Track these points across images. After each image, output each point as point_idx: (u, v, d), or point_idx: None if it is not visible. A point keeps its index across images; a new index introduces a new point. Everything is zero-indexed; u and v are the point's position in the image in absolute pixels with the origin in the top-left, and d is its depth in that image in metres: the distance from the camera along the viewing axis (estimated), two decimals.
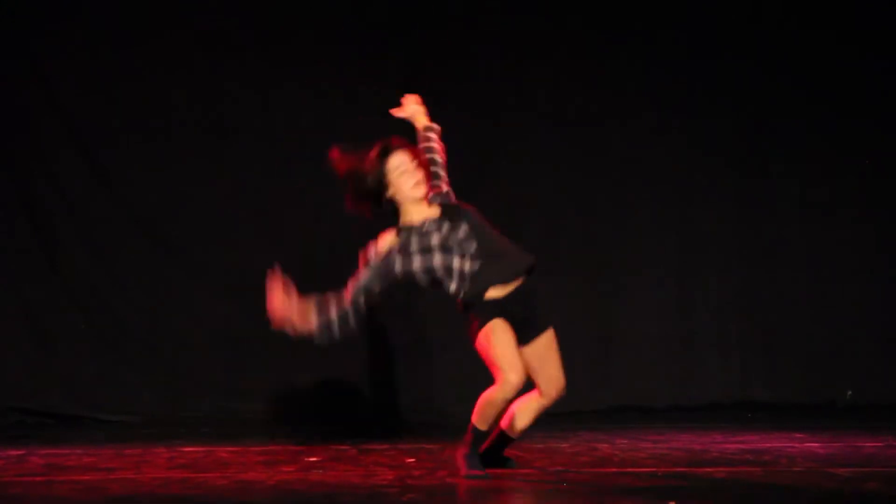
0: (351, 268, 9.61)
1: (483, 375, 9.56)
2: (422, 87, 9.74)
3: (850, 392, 9.88)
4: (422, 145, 6.31)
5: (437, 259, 6.04)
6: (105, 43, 9.49)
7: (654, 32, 9.90)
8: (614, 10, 9.88)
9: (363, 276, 6.12)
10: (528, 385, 6.16)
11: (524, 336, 6.11)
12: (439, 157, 6.32)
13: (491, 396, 6.01)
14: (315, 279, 9.47)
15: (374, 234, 9.61)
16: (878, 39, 10.00)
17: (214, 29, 9.58)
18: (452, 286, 6.03)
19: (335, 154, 6.21)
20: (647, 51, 9.89)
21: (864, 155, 10.01)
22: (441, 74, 9.70)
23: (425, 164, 6.18)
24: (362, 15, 9.67)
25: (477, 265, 6.01)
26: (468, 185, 9.80)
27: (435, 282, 6.08)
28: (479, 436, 6.08)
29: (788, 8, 10.00)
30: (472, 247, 6.05)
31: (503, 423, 6.23)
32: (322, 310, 6.04)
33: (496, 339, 5.97)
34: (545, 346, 6.18)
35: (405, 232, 6.16)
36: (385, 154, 6.15)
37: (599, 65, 9.90)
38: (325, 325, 6.04)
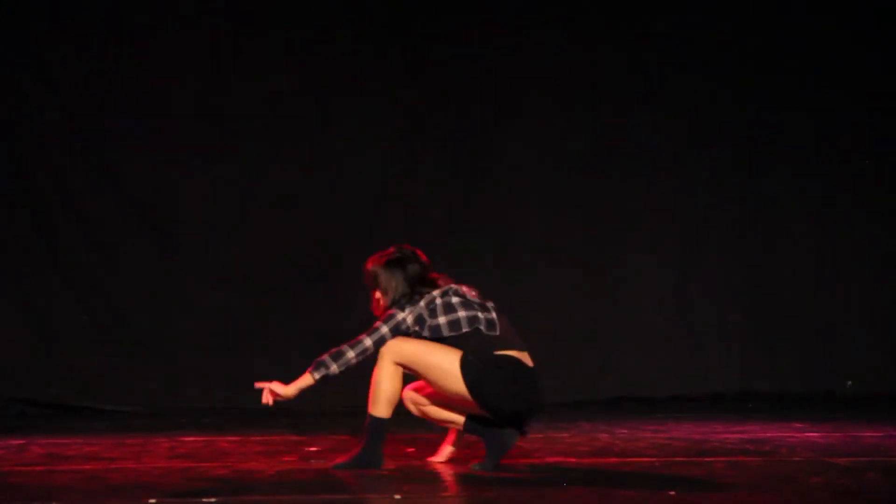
0: (349, 261, 9.65)
1: None
2: (421, 84, 9.81)
3: (849, 382, 9.89)
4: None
5: None
6: (106, 38, 9.49)
7: (656, 27, 9.90)
8: (616, 6, 9.87)
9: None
10: None
11: None
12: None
13: None
14: (315, 273, 9.55)
15: (370, 228, 9.68)
16: (880, 37, 9.99)
17: (215, 25, 9.59)
18: None
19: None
20: (648, 45, 9.89)
21: (864, 149, 10.00)
22: (441, 71, 9.71)
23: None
24: (362, 11, 9.66)
25: None
26: (469, 182, 9.89)
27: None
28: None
29: (790, 4, 9.99)
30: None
31: None
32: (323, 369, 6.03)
33: None
34: None
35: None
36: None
37: (601, 60, 9.90)
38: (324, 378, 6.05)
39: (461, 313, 6.04)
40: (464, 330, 6.00)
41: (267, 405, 6.12)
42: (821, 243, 9.99)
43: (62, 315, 9.41)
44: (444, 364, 5.96)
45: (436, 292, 6.11)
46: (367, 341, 6.04)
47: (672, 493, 5.39)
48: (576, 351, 9.76)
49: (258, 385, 6.11)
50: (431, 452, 6.70)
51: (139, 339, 9.45)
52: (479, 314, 6.06)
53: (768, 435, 7.50)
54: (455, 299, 6.08)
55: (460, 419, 6.16)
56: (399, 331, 6.04)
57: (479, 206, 9.77)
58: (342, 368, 6.05)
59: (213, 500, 5.22)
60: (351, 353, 6.04)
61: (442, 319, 6.03)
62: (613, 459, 6.47)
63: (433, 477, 5.90)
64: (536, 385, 6.03)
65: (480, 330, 6.02)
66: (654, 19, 9.90)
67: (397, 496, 5.36)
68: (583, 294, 9.86)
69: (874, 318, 9.93)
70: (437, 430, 7.70)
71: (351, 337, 9.55)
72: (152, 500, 5.21)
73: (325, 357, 6.05)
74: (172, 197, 9.56)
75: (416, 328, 6.05)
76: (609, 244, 9.91)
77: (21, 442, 7.29)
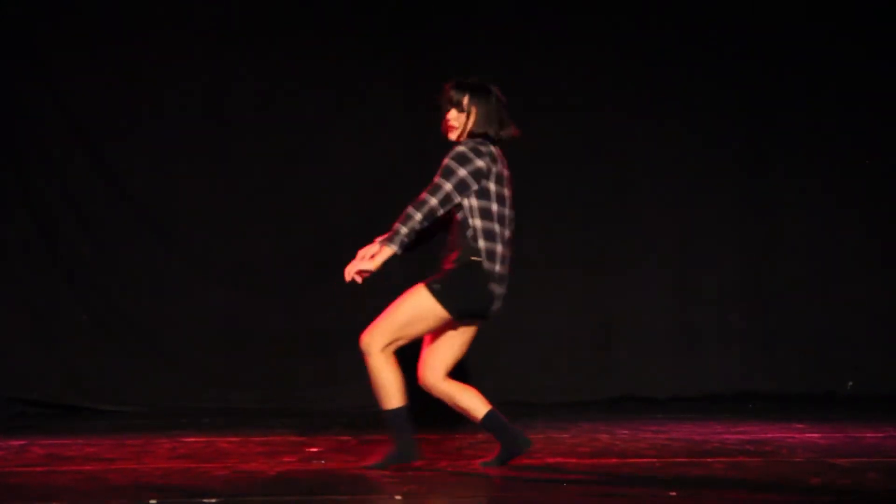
0: (349, 262, 9.65)
1: (484, 365, 9.61)
2: (421, 82, 9.81)
3: (850, 383, 9.88)
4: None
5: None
6: (107, 37, 9.48)
7: (656, 26, 9.89)
8: (615, 4, 9.87)
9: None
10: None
11: None
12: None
13: None
14: (315, 273, 9.55)
15: (369, 228, 9.68)
16: (881, 36, 9.99)
17: (216, 24, 9.58)
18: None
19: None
20: (648, 45, 9.88)
21: (866, 149, 9.99)
22: (441, 69, 9.66)
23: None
24: (363, 10, 9.66)
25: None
26: None
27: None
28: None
29: (791, 2, 9.99)
30: None
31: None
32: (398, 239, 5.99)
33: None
34: None
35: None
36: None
37: (601, 58, 9.89)
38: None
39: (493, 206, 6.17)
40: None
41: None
42: (821, 243, 9.98)
43: (62, 315, 9.40)
44: (418, 309, 5.99)
45: (494, 150, 6.28)
46: (433, 200, 5.99)
47: (673, 493, 5.40)
48: (576, 351, 9.75)
49: (349, 276, 6.03)
50: (433, 452, 6.71)
51: (139, 339, 9.45)
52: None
53: (769, 435, 7.50)
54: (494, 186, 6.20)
55: (481, 412, 6.13)
56: (464, 181, 6.06)
57: None
58: (412, 232, 5.97)
59: (213, 500, 5.23)
60: (418, 216, 5.97)
61: (493, 187, 6.19)
62: (614, 460, 6.48)
63: (433, 477, 5.91)
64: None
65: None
66: (654, 19, 9.89)
67: (398, 497, 5.37)
68: (583, 294, 9.85)
69: (875, 318, 9.92)
70: (438, 431, 7.71)
71: (352, 337, 9.60)
72: (153, 501, 5.21)
73: (397, 225, 5.97)
74: (173, 197, 9.55)
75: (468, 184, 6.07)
76: (609, 244, 9.90)
77: (21, 443, 7.29)
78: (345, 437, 7.45)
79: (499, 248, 6.16)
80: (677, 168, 9.95)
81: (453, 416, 8.60)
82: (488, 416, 6.11)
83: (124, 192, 9.49)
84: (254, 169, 9.57)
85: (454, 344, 6.17)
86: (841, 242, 9.96)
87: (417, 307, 6.01)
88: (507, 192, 6.28)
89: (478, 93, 6.24)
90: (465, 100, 6.23)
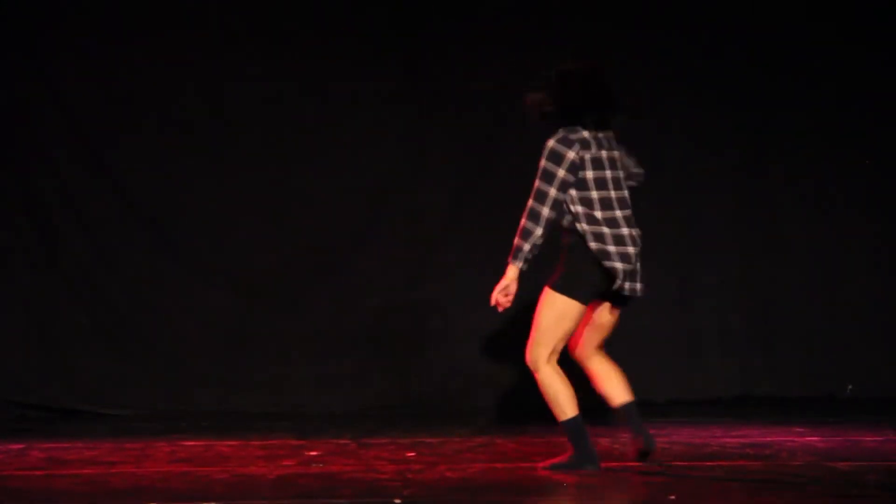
0: (349, 262, 9.65)
1: (484, 367, 9.58)
2: (422, 84, 9.80)
3: (850, 386, 9.87)
4: None
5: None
6: (107, 37, 9.46)
7: (656, 26, 9.87)
8: (614, 6, 9.86)
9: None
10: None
11: None
12: None
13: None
14: (315, 274, 9.55)
15: (369, 229, 9.68)
16: (881, 36, 9.97)
17: (216, 24, 9.56)
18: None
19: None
20: (648, 44, 9.87)
21: (866, 149, 9.98)
22: (441, 71, 9.69)
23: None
24: (363, 10, 9.65)
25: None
26: (470, 180, 9.88)
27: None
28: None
29: (790, 2, 9.98)
30: None
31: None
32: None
33: None
34: None
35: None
36: None
37: (601, 59, 9.85)
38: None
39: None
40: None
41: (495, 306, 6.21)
42: (821, 245, 9.96)
43: (62, 318, 9.39)
44: (555, 310, 6.12)
45: (588, 135, 6.24)
46: (544, 210, 6.17)
47: (672, 497, 5.39)
48: None
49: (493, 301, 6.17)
50: (431, 455, 6.70)
51: (139, 342, 9.43)
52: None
53: (769, 439, 7.50)
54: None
55: (616, 400, 6.31)
56: (565, 181, 6.16)
57: (481, 207, 9.75)
58: (534, 244, 6.16)
59: None
60: (536, 229, 6.18)
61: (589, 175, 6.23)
62: (614, 463, 6.47)
63: (432, 481, 5.90)
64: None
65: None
66: (654, 19, 9.87)
67: (397, 500, 5.37)
68: None
69: (875, 321, 9.89)
70: (440, 434, 7.71)
71: (352, 338, 9.58)
72: None
73: (517, 241, 6.15)
74: (173, 198, 9.54)
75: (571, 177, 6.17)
76: None
77: (21, 446, 7.29)
78: (344, 441, 7.45)
79: (604, 229, 6.23)
80: (677, 168, 9.94)
81: (452, 419, 8.61)
82: (623, 406, 6.23)
83: (124, 193, 9.47)
84: (254, 170, 9.55)
85: (596, 326, 6.33)
86: (841, 244, 9.94)
87: (553, 308, 6.14)
88: (608, 174, 6.28)
89: (569, 75, 6.33)
90: (555, 81, 6.33)
